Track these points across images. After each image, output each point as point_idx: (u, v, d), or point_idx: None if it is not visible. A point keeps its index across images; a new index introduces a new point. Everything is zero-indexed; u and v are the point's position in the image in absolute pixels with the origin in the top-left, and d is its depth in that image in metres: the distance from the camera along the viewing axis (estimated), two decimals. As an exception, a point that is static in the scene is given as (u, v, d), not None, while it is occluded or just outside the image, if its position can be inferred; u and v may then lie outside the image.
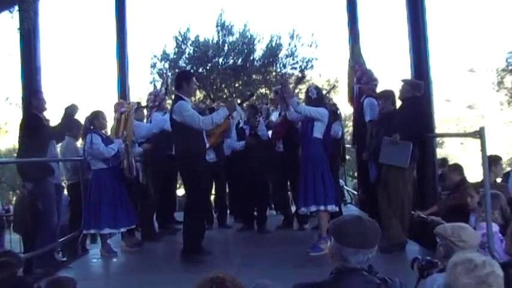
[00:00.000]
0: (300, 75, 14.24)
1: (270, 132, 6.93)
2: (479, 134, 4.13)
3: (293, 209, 6.96)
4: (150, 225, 6.58)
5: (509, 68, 17.11)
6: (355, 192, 8.31)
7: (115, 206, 5.66)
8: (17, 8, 5.71)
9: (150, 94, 7.09)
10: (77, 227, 6.09)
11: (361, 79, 6.49)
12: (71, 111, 5.70)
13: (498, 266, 2.01)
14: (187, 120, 5.09)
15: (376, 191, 5.48)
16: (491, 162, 5.24)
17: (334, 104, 6.82)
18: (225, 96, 14.55)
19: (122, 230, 5.85)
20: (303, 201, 5.38)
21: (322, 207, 5.30)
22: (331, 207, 5.33)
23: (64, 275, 3.93)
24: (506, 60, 17.05)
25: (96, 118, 5.80)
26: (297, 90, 8.06)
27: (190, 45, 15.05)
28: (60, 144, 6.42)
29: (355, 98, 6.58)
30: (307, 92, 5.71)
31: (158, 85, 15.00)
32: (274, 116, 7.07)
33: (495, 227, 3.95)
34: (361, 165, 6.62)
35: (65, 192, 7.08)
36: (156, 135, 6.26)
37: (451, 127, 54.77)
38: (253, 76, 15.14)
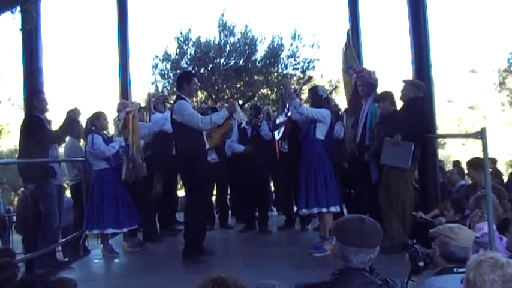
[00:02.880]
0: (307, 76, 14.25)
1: (276, 133, 6.94)
2: (481, 134, 4.12)
3: (295, 209, 6.95)
4: (152, 226, 6.58)
5: (511, 68, 17.08)
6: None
7: (117, 206, 5.66)
8: (18, 8, 5.72)
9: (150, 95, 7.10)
10: (80, 228, 6.09)
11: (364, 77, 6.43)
12: (73, 115, 5.70)
13: None
14: (187, 120, 5.10)
15: (377, 192, 5.46)
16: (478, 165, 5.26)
17: (336, 105, 6.82)
18: (226, 97, 14.55)
19: (124, 230, 5.85)
20: (304, 202, 5.37)
21: (324, 209, 5.30)
22: (334, 209, 5.33)
23: (65, 275, 3.93)
24: (508, 60, 17.02)
25: (97, 119, 5.80)
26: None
27: (192, 45, 15.05)
28: (64, 145, 6.42)
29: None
30: (316, 91, 5.70)
31: (160, 86, 15.08)
32: (280, 118, 7.07)
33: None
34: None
35: (68, 193, 7.09)
36: (156, 135, 6.27)
37: (453, 128, 54.81)
38: (255, 77, 15.13)
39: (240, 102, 6.02)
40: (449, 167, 9.06)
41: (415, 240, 2.82)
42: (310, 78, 10.15)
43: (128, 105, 6.09)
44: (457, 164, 9.64)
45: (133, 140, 5.87)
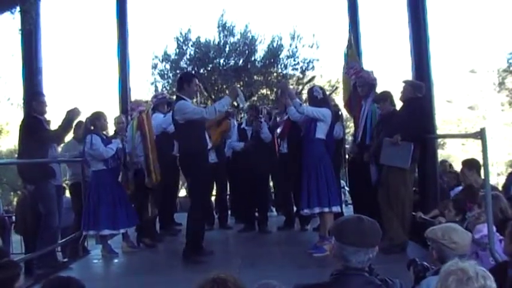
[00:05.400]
0: (309, 76, 14.33)
1: (278, 131, 6.95)
2: (480, 134, 4.13)
3: (294, 209, 6.95)
4: (151, 226, 6.57)
5: (510, 68, 17.10)
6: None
7: (114, 206, 5.65)
8: (18, 8, 5.73)
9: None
10: (79, 228, 6.08)
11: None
12: (72, 114, 5.69)
13: (491, 279, 1.98)
14: (191, 117, 5.12)
15: (376, 192, 5.46)
16: (472, 166, 5.28)
17: (336, 105, 6.82)
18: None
19: (122, 231, 5.85)
20: (306, 202, 5.36)
21: (326, 209, 5.29)
22: (336, 208, 5.34)
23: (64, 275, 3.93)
24: (507, 61, 17.06)
25: (98, 119, 5.79)
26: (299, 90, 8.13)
27: (192, 46, 15.03)
28: (62, 145, 6.42)
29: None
30: (311, 92, 5.70)
31: (159, 86, 15.08)
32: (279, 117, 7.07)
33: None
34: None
35: (67, 193, 7.09)
36: (158, 135, 6.27)
37: (452, 128, 54.79)
38: (255, 77, 15.11)
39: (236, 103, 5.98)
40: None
41: (417, 259, 2.84)
42: (312, 78, 10.16)
43: (141, 104, 6.10)
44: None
45: (150, 140, 5.90)
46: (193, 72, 13.51)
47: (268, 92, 15.43)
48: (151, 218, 6.43)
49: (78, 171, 6.44)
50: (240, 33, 15.16)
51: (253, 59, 15.04)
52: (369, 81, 5.98)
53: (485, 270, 2.01)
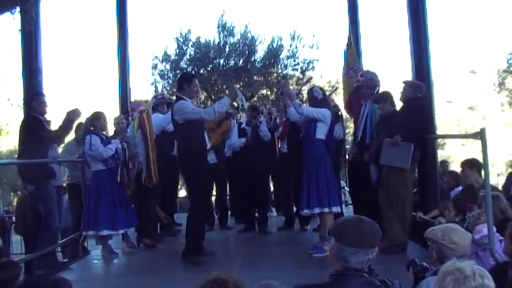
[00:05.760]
0: (307, 76, 14.29)
1: (279, 131, 6.94)
2: (480, 135, 4.13)
3: (294, 210, 6.94)
4: (151, 226, 6.56)
5: (510, 69, 17.11)
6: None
7: (114, 207, 5.65)
8: (18, 9, 5.73)
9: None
10: (79, 228, 6.08)
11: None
12: (73, 115, 5.69)
13: (489, 278, 1.98)
14: (190, 117, 5.11)
15: (376, 193, 5.46)
16: (473, 166, 5.28)
17: (336, 105, 6.81)
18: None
19: (121, 231, 5.84)
20: (306, 203, 5.36)
21: (326, 210, 5.29)
22: (336, 209, 5.34)
23: (64, 276, 3.93)
24: (507, 61, 17.06)
25: (97, 119, 5.78)
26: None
27: (192, 46, 15.06)
28: (63, 145, 6.43)
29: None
30: (311, 92, 5.70)
31: (159, 86, 15.09)
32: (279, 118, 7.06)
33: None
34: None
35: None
36: (157, 135, 6.27)
37: (452, 128, 54.77)
38: (255, 77, 15.13)
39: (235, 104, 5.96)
40: (450, 166, 9.03)
41: (416, 259, 2.83)
42: (310, 79, 10.15)
43: (141, 104, 6.10)
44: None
45: (150, 140, 5.91)
46: (193, 72, 13.52)
47: (268, 93, 15.45)
48: (155, 218, 6.43)
49: (75, 172, 6.44)
50: (240, 33, 15.19)
51: (253, 59, 15.07)
52: (374, 83, 5.98)
53: (482, 269, 2.01)
